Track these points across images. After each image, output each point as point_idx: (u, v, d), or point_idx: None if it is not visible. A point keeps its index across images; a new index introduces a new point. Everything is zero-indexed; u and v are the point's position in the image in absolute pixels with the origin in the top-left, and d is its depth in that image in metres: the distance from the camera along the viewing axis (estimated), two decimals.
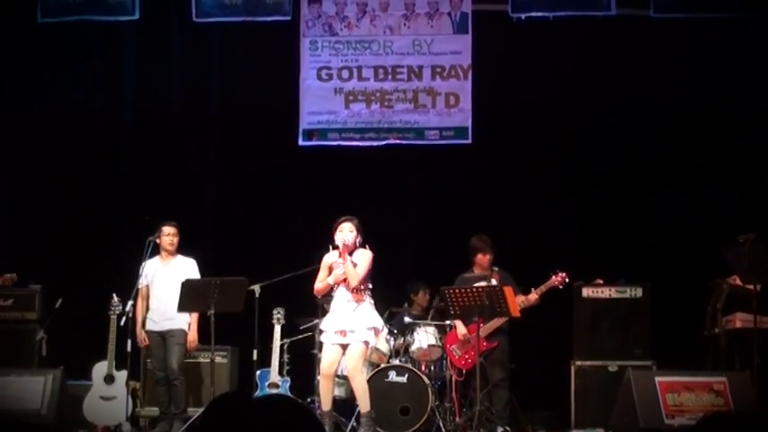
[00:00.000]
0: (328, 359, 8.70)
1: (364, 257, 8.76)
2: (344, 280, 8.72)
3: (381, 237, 10.79)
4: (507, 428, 9.44)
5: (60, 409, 9.20)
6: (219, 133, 12.01)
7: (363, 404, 8.75)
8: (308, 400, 9.98)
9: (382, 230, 11.14)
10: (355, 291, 8.69)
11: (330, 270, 8.81)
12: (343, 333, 8.66)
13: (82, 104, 12.00)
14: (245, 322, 9.82)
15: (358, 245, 8.79)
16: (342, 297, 8.77)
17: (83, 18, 11.67)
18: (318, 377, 9.12)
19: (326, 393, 8.74)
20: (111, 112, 12.04)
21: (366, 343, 8.73)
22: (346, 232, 8.74)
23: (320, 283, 8.87)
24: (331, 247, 8.80)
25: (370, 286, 8.83)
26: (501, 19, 11.49)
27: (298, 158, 11.77)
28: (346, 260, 8.67)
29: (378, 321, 8.86)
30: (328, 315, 8.90)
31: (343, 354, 8.70)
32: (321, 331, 8.98)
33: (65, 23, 11.67)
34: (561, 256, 10.52)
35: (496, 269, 9.85)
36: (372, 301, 8.83)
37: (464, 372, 9.80)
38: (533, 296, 9.58)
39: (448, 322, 9.98)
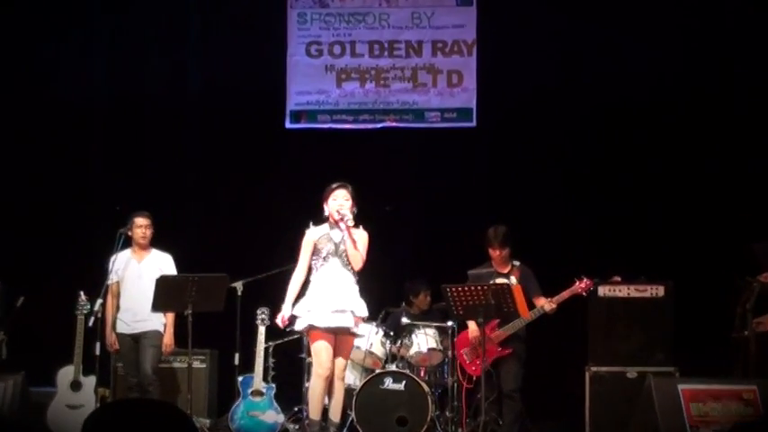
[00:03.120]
0: (328, 349, 8.16)
1: (363, 239, 8.38)
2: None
3: (377, 229, 10.74)
4: None
5: (21, 418, 9.09)
6: (199, 115, 11.99)
7: (339, 413, 8.38)
8: (296, 409, 9.94)
9: (378, 222, 11.10)
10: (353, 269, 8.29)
11: (314, 250, 8.34)
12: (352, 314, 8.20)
13: (48, 86, 11.89)
14: (226, 323, 9.80)
15: (352, 219, 8.30)
16: (333, 271, 8.27)
17: None
18: (309, 382, 8.98)
19: (321, 398, 8.21)
20: (79, 92, 11.94)
21: (354, 337, 8.47)
22: (341, 200, 8.31)
23: (302, 272, 8.35)
24: (312, 224, 8.45)
25: None
26: None
27: (285, 143, 11.80)
28: (349, 233, 8.19)
29: (365, 313, 8.43)
30: (314, 293, 8.26)
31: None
32: (307, 312, 8.22)
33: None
34: (575, 251, 10.49)
35: (517, 264, 9.72)
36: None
37: (474, 378, 9.70)
38: (549, 305, 9.43)
39: (450, 323, 9.91)
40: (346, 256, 8.26)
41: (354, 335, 8.43)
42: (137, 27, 11.98)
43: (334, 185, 8.38)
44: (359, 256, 8.24)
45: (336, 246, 8.30)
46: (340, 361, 8.28)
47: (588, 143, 11.40)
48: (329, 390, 8.31)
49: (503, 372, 9.58)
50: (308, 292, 8.29)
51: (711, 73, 11.30)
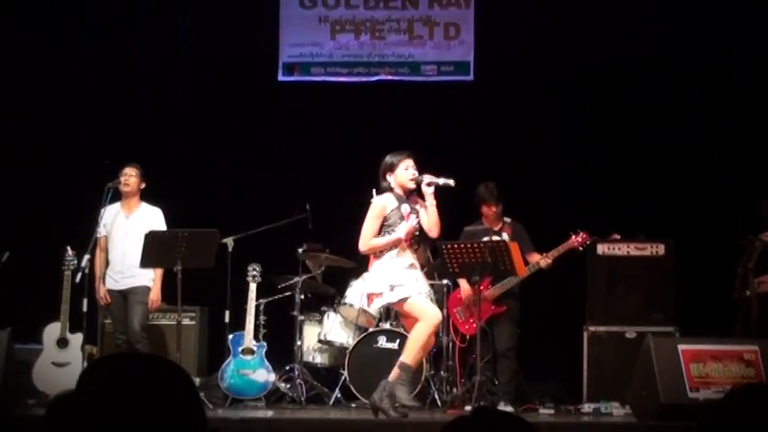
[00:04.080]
0: (432, 304, 8.11)
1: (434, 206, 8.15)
2: (411, 236, 8.06)
3: (373, 185, 10.65)
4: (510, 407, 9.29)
5: (6, 376, 9.01)
6: (190, 68, 11.87)
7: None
8: (287, 367, 9.89)
9: (373, 178, 11.02)
10: (415, 250, 8.12)
11: (384, 220, 8.06)
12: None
13: (36, 44, 11.74)
14: (217, 280, 9.75)
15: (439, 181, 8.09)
16: (404, 256, 8.06)
17: None
18: (300, 339, 8.89)
19: (424, 346, 8.12)
20: (67, 47, 11.78)
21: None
22: (413, 170, 8.06)
23: (379, 239, 8.06)
24: (375, 192, 8.22)
25: None
26: None
27: (277, 96, 11.72)
28: (435, 196, 7.98)
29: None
30: (409, 276, 8.03)
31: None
32: (394, 287, 7.99)
33: None
34: (573, 207, 10.43)
35: (509, 221, 9.71)
36: None
37: (467, 338, 9.65)
38: (545, 261, 9.39)
39: (446, 281, 9.86)
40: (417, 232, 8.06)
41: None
42: None
43: (400, 155, 8.12)
44: (438, 221, 8.05)
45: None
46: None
47: (587, 98, 11.31)
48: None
49: (497, 331, 9.57)
50: (380, 270, 8.08)
51: (715, 24, 11.15)
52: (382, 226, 8.06)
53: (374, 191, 8.18)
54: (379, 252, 8.06)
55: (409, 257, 8.07)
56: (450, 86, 11.60)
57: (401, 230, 7.96)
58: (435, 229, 8.03)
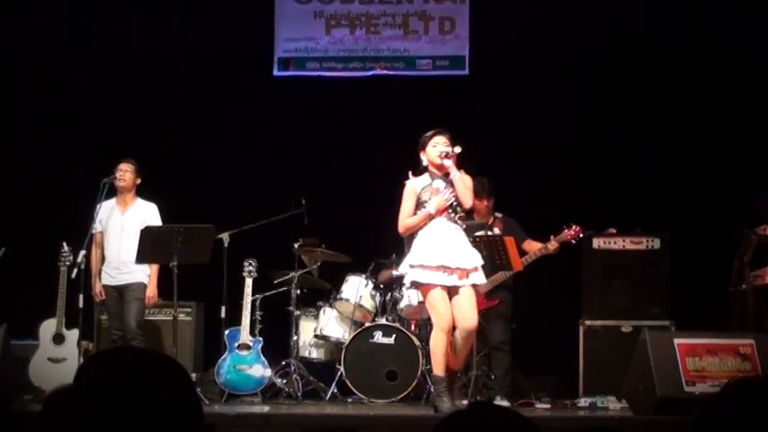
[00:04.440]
0: (447, 304, 7.85)
1: (468, 179, 8.07)
2: (445, 209, 7.99)
3: (367, 178, 10.66)
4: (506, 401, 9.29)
5: (2, 371, 9.04)
6: (185, 62, 11.86)
7: (460, 364, 8.20)
8: (283, 363, 9.89)
9: (368, 171, 11.02)
10: (459, 219, 8.02)
11: (418, 200, 8.04)
12: (461, 273, 7.89)
13: (32, 41, 11.72)
14: (213, 275, 9.73)
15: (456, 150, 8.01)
16: (441, 228, 7.97)
17: None
18: (296, 334, 8.91)
19: (447, 352, 7.93)
20: (62, 41, 11.76)
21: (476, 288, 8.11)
22: (441, 146, 8.02)
23: (412, 218, 8.05)
24: (411, 174, 8.20)
25: None
26: None
27: (272, 91, 11.67)
28: (456, 166, 7.92)
29: (481, 260, 8.13)
30: (424, 248, 7.96)
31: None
32: (421, 267, 7.90)
33: None
34: (569, 202, 10.42)
35: (499, 216, 9.74)
36: None
37: None
38: (552, 244, 9.40)
39: None
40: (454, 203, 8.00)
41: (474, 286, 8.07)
42: None
43: (430, 133, 8.12)
44: (468, 192, 7.98)
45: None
46: (468, 313, 7.93)
47: (582, 92, 11.29)
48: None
49: (490, 324, 9.55)
50: (415, 248, 8.04)
51: (713, 14, 11.14)
52: (418, 205, 8.07)
53: (410, 173, 8.19)
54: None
55: (444, 227, 7.99)
56: (445, 81, 11.59)
57: (431, 205, 7.96)
58: (466, 201, 7.97)
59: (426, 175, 8.13)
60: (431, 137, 8.09)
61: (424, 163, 8.12)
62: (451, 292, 7.92)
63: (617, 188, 10.94)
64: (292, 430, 7.78)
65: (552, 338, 10.03)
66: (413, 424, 8.12)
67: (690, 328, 8.89)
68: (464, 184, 7.96)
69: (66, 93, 11.74)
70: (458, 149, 7.99)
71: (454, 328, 7.91)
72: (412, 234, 8.12)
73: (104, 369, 2.29)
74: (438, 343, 7.94)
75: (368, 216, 10.31)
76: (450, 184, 7.99)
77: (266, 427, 7.87)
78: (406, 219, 8.09)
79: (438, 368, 7.97)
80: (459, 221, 8.03)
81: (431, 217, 7.98)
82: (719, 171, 10.74)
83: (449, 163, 7.97)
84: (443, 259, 7.87)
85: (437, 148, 8.03)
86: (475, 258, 8.00)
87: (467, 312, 7.88)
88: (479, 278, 7.99)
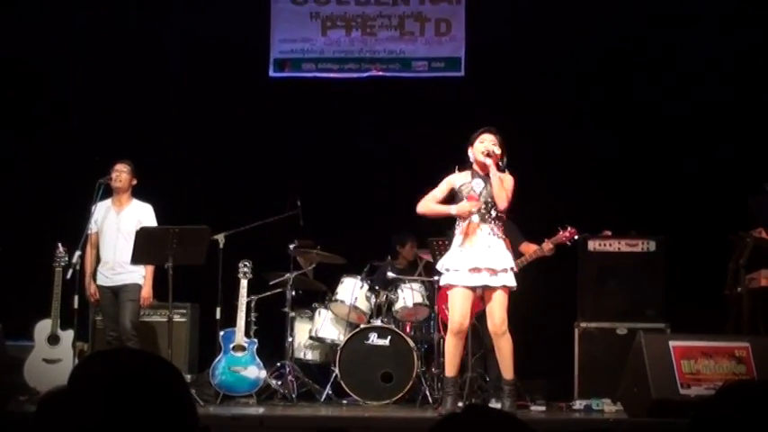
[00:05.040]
0: (464, 309, 7.94)
1: (509, 180, 8.04)
2: (475, 211, 7.94)
3: (363, 180, 10.66)
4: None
5: None
6: (180, 63, 11.83)
7: (509, 370, 8.10)
8: (278, 364, 9.88)
9: (364, 173, 11.03)
10: (496, 219, 7.98)
11: (451, 192, 8.06)
12: (491, 272, 7.86)
13: (27, 40, 11.70)
14: (208, 276, 9.71)
15: (502, 165, 8.01)
16: (474, 229, 7.93)
17: None
18: (291, 336, 8.91)
19: (457, 355, 8.01)
20: (56, 40, 11.74)
21: (508, 290, 8.03)
22: (488, 144, 8.00)
23: (432, 204, 8.10)
24: (457, 169, 8.16)
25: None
26: None
27: (268, 92, 11.66)
28: (496, 167, 7.90)
29: (512, 262, 8.10)
30: (455, 251, 8.00)
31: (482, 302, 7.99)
32: (446, 270, 8.02)
33: None
34: (565, 204, 10.39)
35: None
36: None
37: None
38: (547, 246, 9.37)
39: (436, 278, 9.84)
40: (490, 201, 7.97)
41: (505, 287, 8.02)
42: None
43: (480, 130, 8.11)
44: (504, 193, 7.92)
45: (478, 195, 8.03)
46: (497, 316, 7.96)
47: (577, 94, 11.28)
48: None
49: (485, 326, 9.53)
50: (450, 251, 8.07)
51: (711, 12, 11.14)
52: (453, 198, 8.07)
53: (456, 167, 8.16)
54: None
55: (478, 228, 7.97)
56: (441, 82, 11.59)
57: (455, 207, 7.99)
58: (500, 202, 7.92)
59: (469, 172, 8.12)
60: (480, 133, 8.08)
61: (471, 159, 8.09)
62: (485, 297, 7.97)
63: (612, 190, 10.93)
64: None
65: (547, 340, 10.01)
66: (408, 426, 8.13)
67: (685, 331, 8.86)
68: (501, 184, 7.92)
69: (62, 93, 11.72)
70: (497, 150, 7.96)
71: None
72: (453, 230, 8.12)
73: (99, 370, 2.29)
74: (447, 345, 8.06)
75: (363, 218, 10.31)
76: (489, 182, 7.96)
77: (261, 429, 7.88)
78: (428, 201, 8.11)
79: (446, 369, 8.10)
80: (493, 222, 7.99)
81: (447, 214, 8.07)
82: (715, 174, 10.74)
83: (489, 161, 7.94)
84: (472, 261, 7.88)
85: (484, 144, 8.02)
86: (506, 260, 7.98)
87: (495, 319, 7.95)
88: (510, 280, 7.96)
